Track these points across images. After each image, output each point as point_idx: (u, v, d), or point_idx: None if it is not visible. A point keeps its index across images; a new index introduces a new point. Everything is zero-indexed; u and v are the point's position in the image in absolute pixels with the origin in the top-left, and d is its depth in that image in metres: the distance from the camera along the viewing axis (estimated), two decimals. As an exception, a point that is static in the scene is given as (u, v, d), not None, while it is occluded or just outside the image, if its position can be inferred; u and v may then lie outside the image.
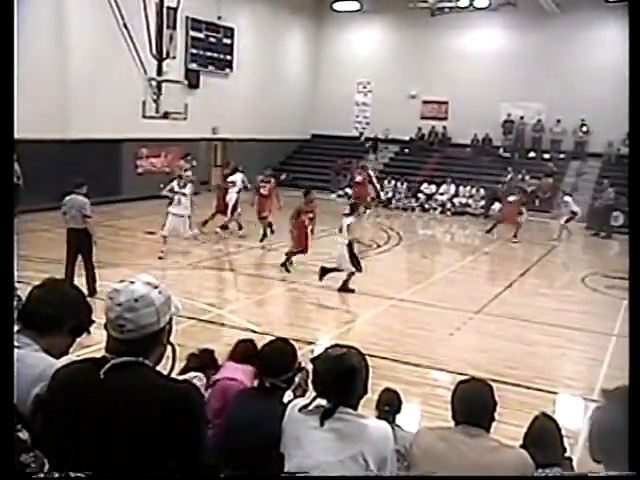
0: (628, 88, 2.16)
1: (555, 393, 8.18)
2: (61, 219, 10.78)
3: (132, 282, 2.25)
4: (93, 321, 2.66)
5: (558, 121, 26.24)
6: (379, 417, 4.46)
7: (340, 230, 11.93)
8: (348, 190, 25.96)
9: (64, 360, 2.47)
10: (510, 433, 5.62)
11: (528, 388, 8.04)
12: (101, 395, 2.14)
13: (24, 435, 1.35)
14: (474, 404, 3.20)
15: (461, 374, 6.18)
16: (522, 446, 3.68)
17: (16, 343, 2.39)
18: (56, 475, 1.74)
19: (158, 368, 2.29)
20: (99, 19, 18.97)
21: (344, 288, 11.98)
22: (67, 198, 10.59)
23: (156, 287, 2.26)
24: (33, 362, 2.34)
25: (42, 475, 1.35)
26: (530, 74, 26.12)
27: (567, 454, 4.37)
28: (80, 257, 10.51)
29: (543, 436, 4.02)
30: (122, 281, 2.28)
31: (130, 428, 2.12)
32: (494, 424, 3.28)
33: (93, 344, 2.31)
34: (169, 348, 2.43)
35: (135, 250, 15.38)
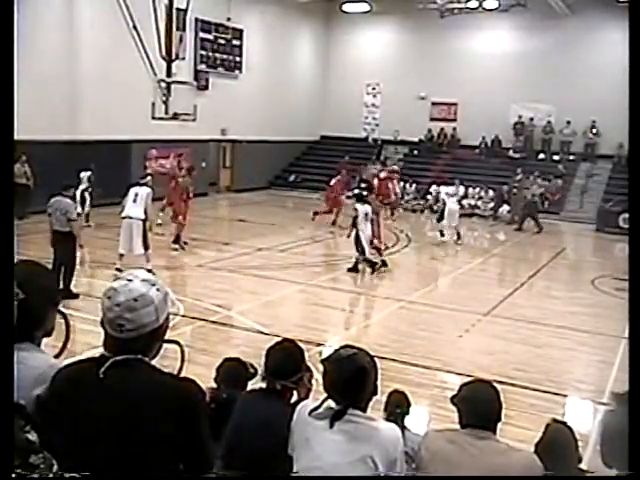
0: (628, 88, 2.14)
1: (565, 396, 8.14)
2: (47, 221, 10.60)
3: (130, 280, 2.21)
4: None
5: (568, 122, 26.16)
6: (388, 419, 4.44)
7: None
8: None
9: (66, 361, 2.46)
10: (519, 436, 5.60)
11: (537, 391, 8.00)
12: (102, 394, 2.14)
13: (32, 436, 1.35)
14: (480, 406, 3.17)
15: (470, 376, 6.15)
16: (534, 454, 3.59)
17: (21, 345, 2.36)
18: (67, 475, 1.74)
19: (167, 369, 2.29)
20: (109, 21, 19.05)
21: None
22: (53, 200, 10.35)
23: (154, 284, 2.24)
24: (34, 363, 2.32)
25: (51, 475, 1.34)
26: (540, 75, 26.03)
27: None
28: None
29: (557, 445, 3.87)
30: (118, 278, 2.24)
31: (132, 426, 2.12)
32: (503, 427, 3.26)
33: (101, 344, 2.30)
34: (178, 349, 2.42)
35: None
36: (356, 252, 13.30)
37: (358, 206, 13.45)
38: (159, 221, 16.28)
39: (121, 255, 11.94)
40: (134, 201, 12.01)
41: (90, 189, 16.60)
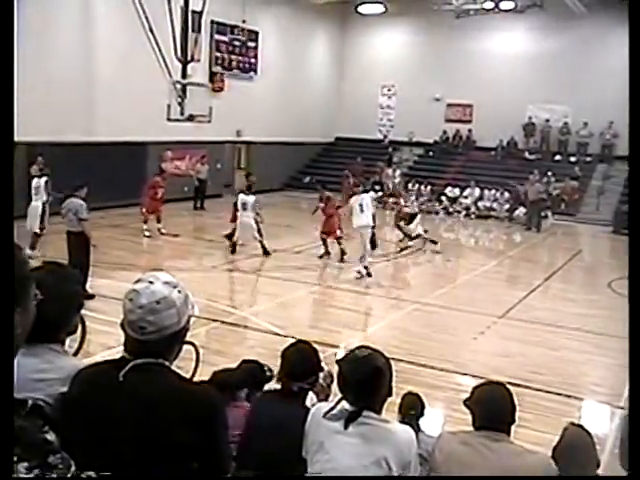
0: (628, 88, 2.12)
1: (581, 399, 8.09)
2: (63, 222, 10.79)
3: (151, 282, 2.20)
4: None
5: (585, 124, 25.98)
6: (402, 421, 4.42)
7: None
8: (371, 193, 25.91)
9: (83, 361, 2.48)
10: (534, 439, 5.58)
11: (553, 393, 7.96)
12: (121, 397, 2.14)
13: (51, 436, 1.36)
14: (493, 408, 3.16)
15: (484, 379, 6.13)
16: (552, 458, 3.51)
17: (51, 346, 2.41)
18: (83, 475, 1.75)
19: (182, 370, 2.29)
20: (125, 24, 19.15)
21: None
22: (67, 201, 10.57)
23: (175, 286, 2.23)
24: (62, 363, 2.36)
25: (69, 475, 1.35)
26: (556, 76, 25.89)
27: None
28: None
29: (575, 449, 3.72)
30: (139, 281, 2.23)
31: (149, 430, 2.12)
32: (518, 429, 3.24)
33: (117, 345, 2.31)
34: (193, 350, 2.42)
35: (159, 252, 15.50)
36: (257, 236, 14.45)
37: (242, 196, 14.66)
38: (147, 233, 16.30)
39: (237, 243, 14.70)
40: (244, 209, 14.40)
41: (49, 199, 13.26)
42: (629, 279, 1.96)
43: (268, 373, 4.33)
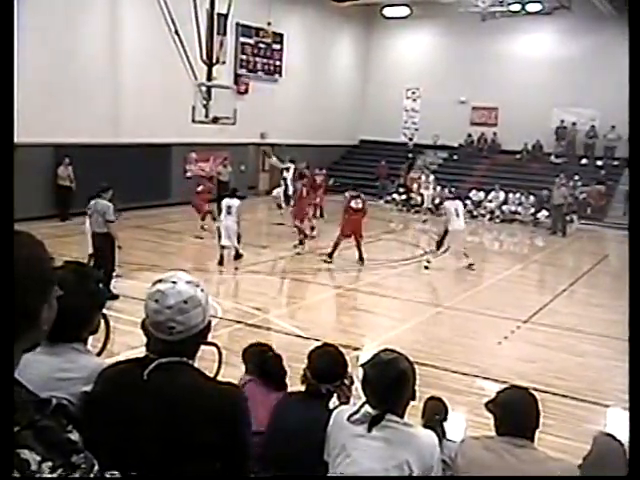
0: (628, 89, 2.09)
1: (606, 406, 7.98)
2: (87, 222, 10.91)
3: (174, 282, 2.20)
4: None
5: (612, 127, 25.66)
6: (426, 426, 4.40)
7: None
8: (395, 196, 25.89)
9: (107, 360, 2.50)
10: (557, 445, 5.51)
11: (578, 400, 7.87)
12: (145, 396, 2.14)
13: (74, 436, 1.36)
14: (517, 413, 3.13)
15: (508, 383, 6.06)
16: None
17: (75, 345, 2.43)
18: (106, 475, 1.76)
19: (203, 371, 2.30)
20: (151, 26, 19.32)
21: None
22: (92, 202, 10.62)
23: (198, 285, 2.24)
24: (85, 362, 2.38)
25: (92, 475, 1.36)
26: (583, 79, 25.63)
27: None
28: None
29: (607, 461, 3.52)
30: (160, 281, 2.21)
31: (174, 429, 2.12)
32: (542, 436, 3.20)
33: (140, 345, 2.32)
34: (215, 351, 2.42)
35: (183, 254, 15.58)
36: (236, 242, 14.01)
37: (227, 199, 14.25)
38: (206, 226, 16.82)
39: (223, 246, 13.92)
40: (228, 213, 13.84)
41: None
42: (630, 279, 1.93)
43: (270, 352, 4.27)
